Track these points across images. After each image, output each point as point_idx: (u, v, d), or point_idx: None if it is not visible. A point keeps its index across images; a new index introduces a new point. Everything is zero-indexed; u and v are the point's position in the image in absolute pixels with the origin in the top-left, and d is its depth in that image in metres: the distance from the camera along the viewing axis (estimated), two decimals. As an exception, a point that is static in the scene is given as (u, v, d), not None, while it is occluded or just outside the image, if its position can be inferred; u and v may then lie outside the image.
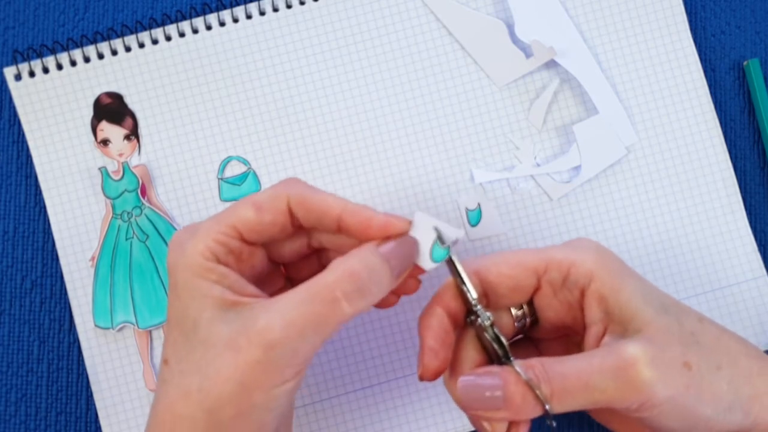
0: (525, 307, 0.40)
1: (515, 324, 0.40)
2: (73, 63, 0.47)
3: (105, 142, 0.47)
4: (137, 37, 0.48)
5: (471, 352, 0.38)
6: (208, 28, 0.48)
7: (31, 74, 0.47)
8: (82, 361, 0.47)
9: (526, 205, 0.48)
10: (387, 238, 0.37)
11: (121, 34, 0.48)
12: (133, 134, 0.47)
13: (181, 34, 0.48)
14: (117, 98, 0.48)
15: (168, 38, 0.48)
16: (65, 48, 0.47)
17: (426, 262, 0.37)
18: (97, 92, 0.48)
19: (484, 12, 0.49)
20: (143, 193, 0.47)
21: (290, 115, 0.48)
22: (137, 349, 0.46)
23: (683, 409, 0.36)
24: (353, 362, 0.47)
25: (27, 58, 0.47)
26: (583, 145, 0.48)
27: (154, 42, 0.48)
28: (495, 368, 0.36)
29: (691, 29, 0.49)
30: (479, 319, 0.37)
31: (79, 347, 0.47)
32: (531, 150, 0.48)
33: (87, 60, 0.47)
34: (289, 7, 0.48)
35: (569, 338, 0.41)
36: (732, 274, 0.48)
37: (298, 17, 0.48)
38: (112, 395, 0.46)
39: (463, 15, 0.48)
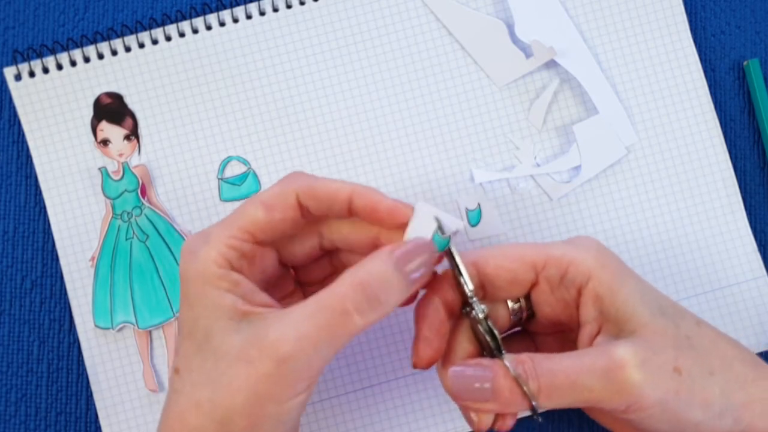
0: (522, 300, 0.40)
1: (511, 317, 0.40)
2: (73, 63, 0.47)
3: (105, 142, 0.47)
4: (137, 37, 0.48)
5: (465, 343, 0.38)
6: (208, 28, 0.48)
7: (31, 74, 0.47)
8: (82, 361, 0.47)
9: (526, 205, 0.48)
10: (400, 227, 0.36)
11: (121, 34, 0.48)
12: (133, 134, 0.47)
13: (181, 34, 0.48)
14: (117, 98, 0.48)
15: (168, 38, 0.48)
16: (65, 48, 0.47)
17: None
18: (97, 92, 0.48)
19: (484, 12, 0.49)
20: (143, 193, 0.47)
21: (290, 115, 0.48)
22: (137, 349, 0.46)
23: (672, 414, 0.36)
24: (353, 362, 0.47)
25: (27, 58, 0.47)
26: (583, 145, 0.48)
27: (154, 42, 0.48)
28: (486, 360, 0.36)
29: (691, 29, 0.49)
30: (474, 311, 0.37)
31: (79, 347, 0.47)
32: (531, 150, 0.48)
33: (87, 60, 0.47)
34: (289, 7, 0.48)
35: (565, 334, 0.41)
36: (732, 274, 0.48)
37: (298, 17, 0.48)
38: (112, 395, 0.46)
39: (463, 15, 0.48)
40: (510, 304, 0.40)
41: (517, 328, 0.42)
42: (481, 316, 0.37)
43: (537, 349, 0.42)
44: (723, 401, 0.37)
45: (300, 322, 0.34)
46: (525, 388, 0.35)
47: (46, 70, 0.47)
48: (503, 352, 0.36)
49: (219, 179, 0.47)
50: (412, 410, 0.46)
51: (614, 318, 0.37)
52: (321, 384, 0.46)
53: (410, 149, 0.48)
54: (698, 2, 0.50)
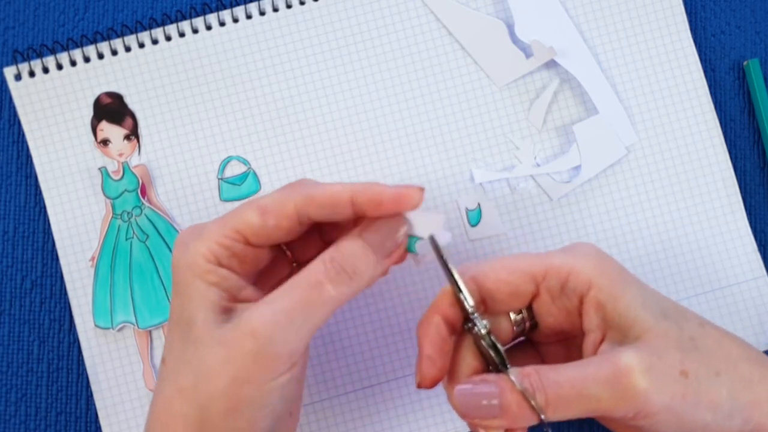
0: (524, 311, 0.40)
1: (514, 328, 0.40)
2: (73, 63, 0.47)
3: (105, 142, 0.47)
4: (137, 37, 0.48)
5: (469, 359, 0.38)
6: (208, 28, 0.48)
7: (31, 74, 0.47)
8: (82, 361, 0.47)
9: (526, 205, 0.48)
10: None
11: (121, 34, 0.48)
12: (133, 134, 0.47)
13: (181, 34, 0.48)
14: (117, 98, 0.48)
15: (168, 38, 0.48)
16: (65, 48, 0.47)
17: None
18: (97, 92, 0.48)
19: (484, 12, 0.49)
20: (143, 193, 0.47)
21: (290, 115, 0.48)
22: (137, 349, 0.46)
23: (680, 417, 0.36)
24: (353, 362, 0.47)
25: (27, 58, 0.47)
26: (583, 145, 0.48)
27: (154, 42, 0.48)
28: (491, 376, 0.36)
29: (691, 29, 0.49)
30: (476, 327, 0.37)
31: (79, 347, 0.47)
32: (531, 150, 0.48)
33: (87, 60, 0.47)
34: (289, 7, 0.48)
35: (570, 342, 0.41)
36: (732, 274, 0.48)
37: (298, 17, 0.48)
38: (112, 395, 0.46)
39: (463, 15, 0.48)
40: (512, 315, 0.40)
41: (521, 338, 0.42)
42: (483, 332, 0.37)
43: (542, 358, 0.42)
44: (730, 402, 0.36)
45: (275, 300, 0.35)
46: (532, 402, 0.35)
47: (46, 70, 0.47)
48: (508, 366, 0.36)
49: (219, 179, 0.47)
50: (412, 410, 0.46)
51: (617, 324, 0.37)
52: (321, 384, 0.46)
53: (410, 149, 0.48)
54: (698, 2, 0.50)
